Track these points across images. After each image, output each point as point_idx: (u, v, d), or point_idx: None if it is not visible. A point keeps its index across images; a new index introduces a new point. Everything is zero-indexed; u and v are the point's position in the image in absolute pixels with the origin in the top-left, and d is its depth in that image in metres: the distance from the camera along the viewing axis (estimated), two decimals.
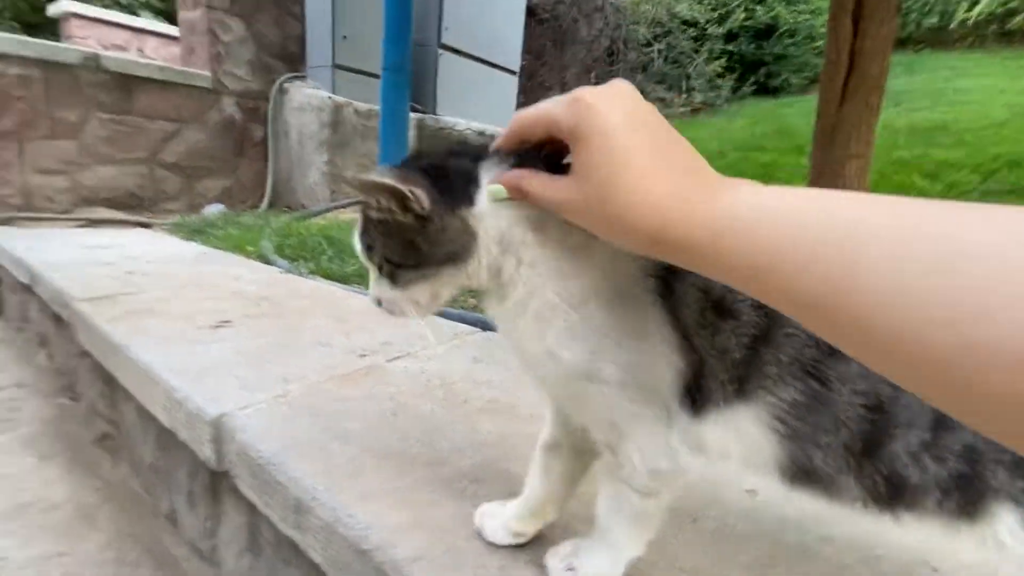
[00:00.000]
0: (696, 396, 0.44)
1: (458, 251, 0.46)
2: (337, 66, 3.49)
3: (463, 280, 0.49)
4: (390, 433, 0.79)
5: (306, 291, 1.65)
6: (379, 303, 0.52)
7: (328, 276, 1.96)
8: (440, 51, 3.87)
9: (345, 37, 3.48)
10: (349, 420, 0.82)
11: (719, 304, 0.43)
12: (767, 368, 0.42)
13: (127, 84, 2.96)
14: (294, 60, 3.63)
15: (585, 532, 0.52)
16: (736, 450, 0.45)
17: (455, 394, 0.93)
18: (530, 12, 5.02)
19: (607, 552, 0.50)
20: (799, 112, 4.47)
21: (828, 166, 1.76)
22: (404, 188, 0.44)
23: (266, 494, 0.72)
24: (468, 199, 0.45)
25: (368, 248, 0.50)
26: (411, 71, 2.40)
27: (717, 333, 0.43)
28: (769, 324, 0.42)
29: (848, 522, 0.59)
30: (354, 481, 0.67)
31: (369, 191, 0.47)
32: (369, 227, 0.50)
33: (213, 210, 3.14)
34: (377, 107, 3.47)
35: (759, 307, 0.42)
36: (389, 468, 0.70)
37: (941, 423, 0.41)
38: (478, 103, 4.18)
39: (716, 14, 7.90)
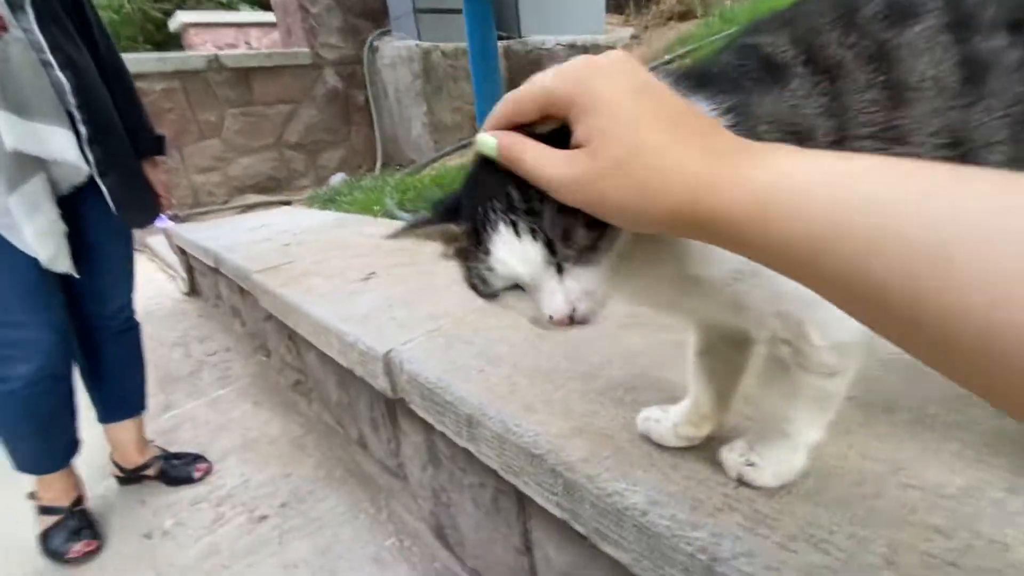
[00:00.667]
0: None
1: (630, 214, 0.39)
2: (418, 10, 3.46)
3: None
4: (537, 354, 0.83)
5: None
6: (572, 312, 0.37)
7: None
8: None
9: None
10: (498, 345, 0.88)
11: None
12: None
13: (245, 77, 3.25)
14: (378, 16, 3.67)
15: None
16: None
17: None
18: None
19: (787, 441, 0.48)
20: None
21: None
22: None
23: (438, 413, 0.82)
24: None
25: (549, 244, 0.35)
26: None
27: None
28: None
29: None
30: (513, 397, 0.72)
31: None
32: (543, 219, 0.34)
33: (337, 180, 3.41)
34: (463, 44, 3.43)
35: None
36: (542, 384, 0.74)
37: None
38: (563, 16, 3.92)
39: None
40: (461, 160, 3.16)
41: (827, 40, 0.38)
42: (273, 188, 3.44)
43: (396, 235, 0.42)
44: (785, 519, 0.47)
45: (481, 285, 0.39)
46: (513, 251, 0.35)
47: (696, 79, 0.40)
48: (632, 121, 0.30)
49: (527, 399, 0.71)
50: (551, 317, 0.37)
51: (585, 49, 3.93)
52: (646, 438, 0.59)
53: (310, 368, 1.56)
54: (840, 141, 0.37)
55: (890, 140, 0.37)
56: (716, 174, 0.28)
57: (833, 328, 0.41)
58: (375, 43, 3.61)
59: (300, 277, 1.50)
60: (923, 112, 0.36)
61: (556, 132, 0.33)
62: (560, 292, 0.36)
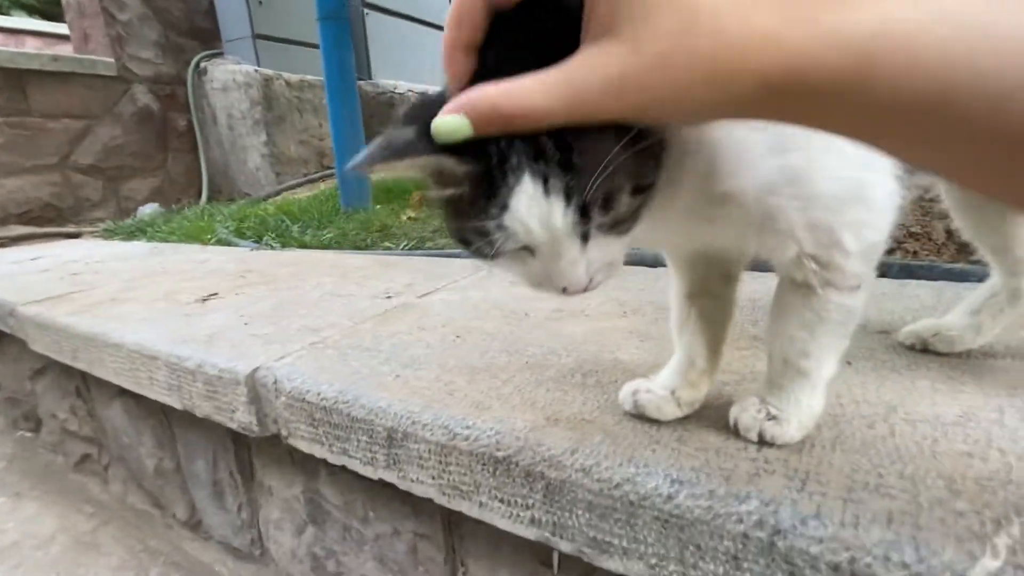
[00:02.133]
0: None
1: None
2: (258, 36, 3.17)
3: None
4: (466, 353, 0.68)
5: (289, 259, 1.48)
6: (589, 282, 0.32)
7: (304, 246, 1.79)
8: (366, 10, 3.61)
9: (261, 2, 3.17)
10: (412, 348, 0.71)
11: None
12: None
13: (18, 81, 2.58)
14: (207, 36, 3.28)
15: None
16: None
17: (512, 312, 0.83)
18: None
19: (806, 381, 0.42)
20: None
21: None
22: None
23: (339, 439, 0.61)
24: None
25: (566, 192, 0.28)
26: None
27: None
28: None
29: None
30: (453, 398, 0.56)
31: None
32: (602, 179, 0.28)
33: (148, 211, 2.83)
34: (309, 76, 3.20)
35: None
36: (486, 380, 0.60)
37: None
38: (412, 63, 3.96)
39: None
40: (309, 193, 2.88)
41: None
42: (52, 219, 2.70)
43: (363, 164, 0.30)
44: (830, 473, 0.39)
45: (479, 243, 0.31)
46: (536, 210, 0.28)
47: None
48: None
49: (474, 397, 0.55)
50: (565, 289, 0.32)
51: None
52: (637, 415, 0.48)
53: (111, 431, 1.14)
54: None
55: None
56: (801, 31, 0.22)
57: (866, 229, 0.37)
58: (202, 64, 3.19)
59: (103, 304, 1.12)
60: None
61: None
62: (582, 264, 0.31)
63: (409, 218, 2.21)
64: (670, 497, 0.39)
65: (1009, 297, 0.53)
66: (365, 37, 3.65)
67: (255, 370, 0.69)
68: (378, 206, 2.45)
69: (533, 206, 0.28)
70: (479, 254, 0.32)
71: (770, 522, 0.36)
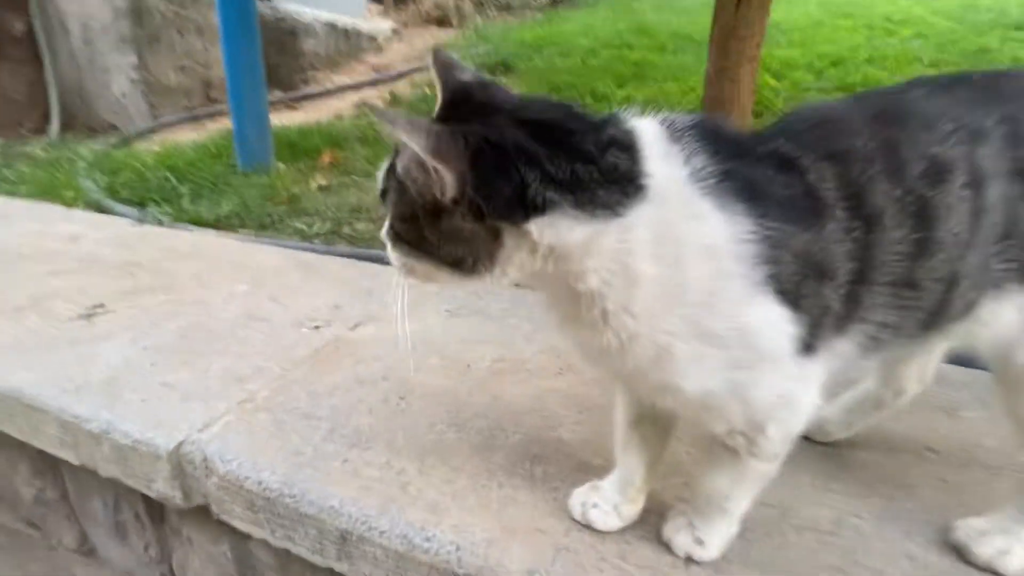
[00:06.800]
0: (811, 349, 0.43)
1: (469, 261, 0.40)
2: None
3: (471, 285, 0.44)
4: (412, 424, 0.69)
5: (185, 247, 1.32)
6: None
7: (198, 222, 1.59)
8: None
9: None
10: (355, 416, 0.70)
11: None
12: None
13: None
14: None
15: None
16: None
17: (452, 360, 0.84)
18: None
19: (727, 517, 0.50)
20: (651, 7, 4.54)
21: (727, 69, 1.82)
22: (430, 161, 0.36)
23: (283, 528, 0.60)
24: (520, 207, 0.37)
25: (383, 193, 0.43)
26: None
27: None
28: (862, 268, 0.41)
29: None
30: (406, 495, 0.57)
31: (394, 136, 0.37)
32: (391, 172, 0.41)
33: None
34: None
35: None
36: (438, 469, 0.61)
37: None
38: None
39: None
40: (195, 135, 2.52)
41: (872, 189, 0.40)
42: None
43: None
44: None
45: None
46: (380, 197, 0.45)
47: (741, 187, 0.39)
48: None
49: (429, 496, 0.57)
50: None
51: (346, 32, 3.62)
52: (585, 525, 0.54)
53: None
54: (857, 282, 0.40)
55: (903, 285, 0.40)
56: None
57: (789, 424, 0.45)
58: None
59: None
60: (940, 260, 0.41)
61: None
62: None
63: (320, 186, 2.04)
64: None
65: (875, 403, 0.66)
66: None
67: (179, 445, 0.64)
68: (282, 165, 2.22)
69: (379, 180, 0.43)
70: None
71: None
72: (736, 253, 0.38)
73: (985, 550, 0.50)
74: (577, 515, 0.54)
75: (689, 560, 0.51)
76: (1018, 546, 0.50)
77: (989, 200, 0.41)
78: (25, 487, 0.96)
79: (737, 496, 0.49)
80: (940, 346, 0.56)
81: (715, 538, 0.51)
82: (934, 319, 0.44)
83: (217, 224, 1.58)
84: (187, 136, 2.70)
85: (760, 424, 0.44)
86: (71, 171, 1.87)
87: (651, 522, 0.54)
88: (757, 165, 0.41)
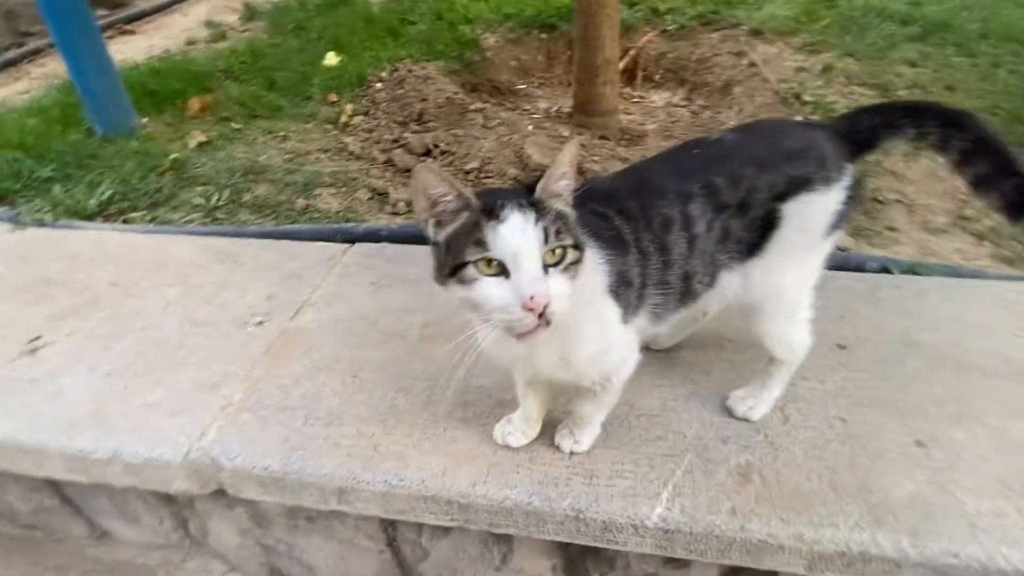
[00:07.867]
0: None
1: None
2: None
3: None
4: (369, 397, 0.90)
5: (87, 251, 1.31)
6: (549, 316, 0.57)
7: (82, 213, 1.50)
8: None
9: None
10: (323, 400, 0.89)
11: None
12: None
13: None
14: None
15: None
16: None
17: (388, 333, 1.03)
18: None
19: (592, 426, 0.80)
20: None
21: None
22: None
23: (291, 494, 0.81)
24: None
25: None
26: None
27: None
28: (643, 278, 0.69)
29: None
30: (378, 453, 0.80)
31: None
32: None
33: None
34: None
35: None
36: (398, 428, 0.84)
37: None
38: None
39: None
40: (21, 88, 2.18)
41: (641, 236, 0.66)
42: None
43: None
44: (602, 467, 0.78)
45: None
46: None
47: (594, 231, 0.64)
48: None
49: (395, 449, 0.81)
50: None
51: None
52: (505, 446, 0.81)
53: None
54: (642, 286, 0.65)
55: (662, 284, 0.67)
56: None
57: (623, 373, 0.73)
58: None
59: None
60: (676, 269, 0.68)
61: None
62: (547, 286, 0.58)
63: (200, 143, 1.91)
64: (528, 503, 0.74)
65: (690, 322, 0.96)
66: None
67: (187, 453, 0.81)
68: (145, 120, 2.03)
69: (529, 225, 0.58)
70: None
71: (576, 506, 0.74)
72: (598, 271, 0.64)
73: (740, 407, 0.84)
74: (499, 440, 0.81)
75: (572, 454, 0.80)
76: (761, 404, 0.84)
77: (698, 231, 0.69)
78: (21, 503, 1.08)
79: (597, 414, 0.78)
80: (716, 297, 0.84)
81: (586, 438, 0.80)
82: (684, 297, 0.73)
83: (105, 213, 1.52)
84: (8, 91, 2.32)
85: (608, 376, 0.71)
86: None
87: (547, 434, 0.82)
88: (591, 216, 0.65)
